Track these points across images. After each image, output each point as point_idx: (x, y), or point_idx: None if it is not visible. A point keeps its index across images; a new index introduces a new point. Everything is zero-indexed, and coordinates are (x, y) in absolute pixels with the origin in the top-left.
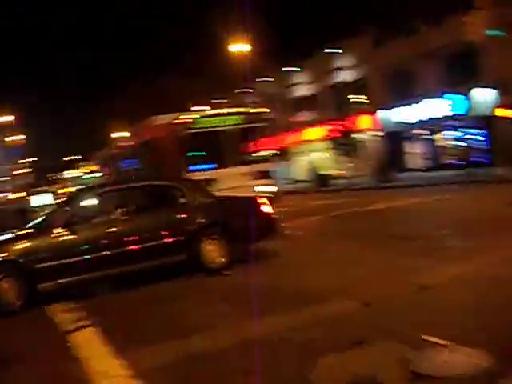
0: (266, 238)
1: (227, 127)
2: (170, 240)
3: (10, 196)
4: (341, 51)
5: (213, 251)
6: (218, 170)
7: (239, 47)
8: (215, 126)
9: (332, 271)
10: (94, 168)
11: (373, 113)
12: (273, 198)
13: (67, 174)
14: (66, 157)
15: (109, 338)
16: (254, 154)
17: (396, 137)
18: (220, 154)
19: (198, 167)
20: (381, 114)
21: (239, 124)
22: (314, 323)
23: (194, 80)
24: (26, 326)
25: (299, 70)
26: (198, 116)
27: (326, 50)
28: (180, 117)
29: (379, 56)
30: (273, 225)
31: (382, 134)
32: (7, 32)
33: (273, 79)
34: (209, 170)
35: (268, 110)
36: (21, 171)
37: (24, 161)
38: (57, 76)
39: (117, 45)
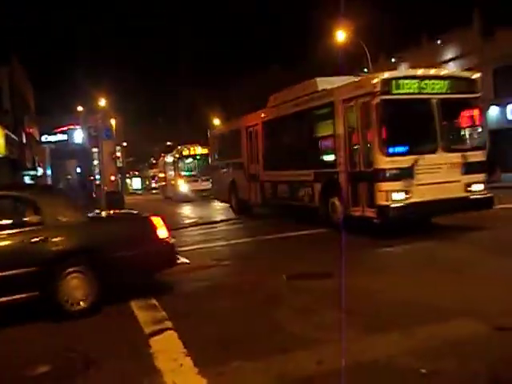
0: (158, 271)
1: (438, 95)
2: (16, 271)
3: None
4: (446, 42)
5: (75, 288)
6: (425, 156)
7: (343, 36)
8: (423, 93)
9: (450, 282)
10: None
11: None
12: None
13: (169, 158)
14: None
15: (189, 346)
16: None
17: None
18: (428, 134)
19: (399, 149)
20: (493, 110)
21: (451, 93)
22: (434, 348)
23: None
24: (105, 326)
25: (404, 61)
26: (402, 75)
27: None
28: (381, 76)
29: (488, 47)
30: (168, 254)
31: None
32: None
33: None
34: (414, 154)
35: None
36: (117, 155)
37: (119, 146)
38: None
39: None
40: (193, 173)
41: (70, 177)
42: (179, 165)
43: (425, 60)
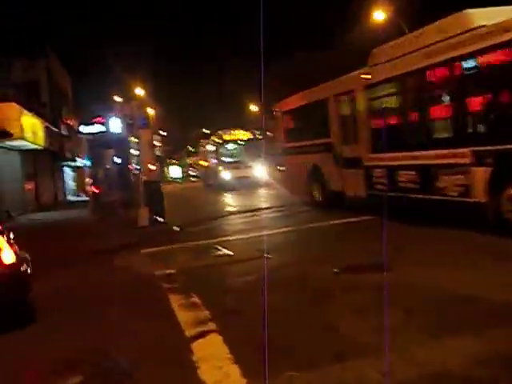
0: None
1: None
2: None
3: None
4: None
5: None
6: None
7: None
8: None
9: None
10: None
11: None
12: None
13: (210, 144)
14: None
15: (236, 351)
16: None
17: None
18: None
19: None
20: None
21: None
22: None
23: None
24: (141, 327)
25: None
26: None
27: None
28: None
29: None
30: (13, 287)
31: None
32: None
33: None
34: None
35: None
36: (155, 143)
37: (158, 134)
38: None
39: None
40: (235, 159)
41: (108, 167)
42: (220, 150)
43: None
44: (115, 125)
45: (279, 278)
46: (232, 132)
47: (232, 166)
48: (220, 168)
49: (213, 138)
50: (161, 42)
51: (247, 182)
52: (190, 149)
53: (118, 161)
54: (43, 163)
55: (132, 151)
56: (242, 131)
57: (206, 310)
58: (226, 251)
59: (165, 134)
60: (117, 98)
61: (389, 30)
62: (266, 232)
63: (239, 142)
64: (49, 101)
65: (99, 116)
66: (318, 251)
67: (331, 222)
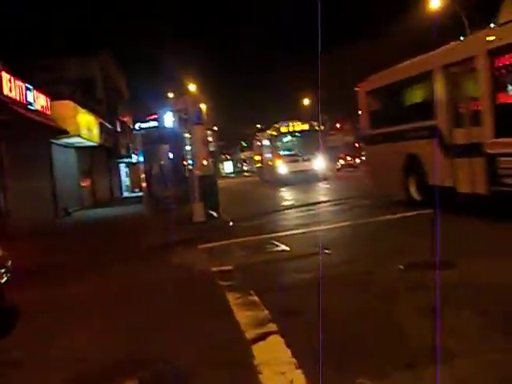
0: None
1: None
2: None
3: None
4: None
5: None
6: None
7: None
8: None
9: None
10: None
11: None
12: None
13: (265, 137)
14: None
15: (299, 355)
16: None
17: None
18: None
19: None
20: None
21: None
22: None
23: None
24: (198, 328)
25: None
26: None
27: None
28: None
29: None
30: None
31: None
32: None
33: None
34: None
35: None
36: (209, 139)
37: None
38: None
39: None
40: (292, 152)
41: (162, 162)
42: (276, 143)
43: None
44: (169, 120)
45: (340, 275)
46: (289, 124)
47: (290, 160)
48: (277, 162)
49: (269, 130)
50: (211, 39)
51: (306, 176)
52: (243, 144)
53: (172, 156)
54: (99, 160)
55: (186, 147)
56: (299, 123)
57: (265, 310)
58: (282, 246)
59: (215, 128)
60: (170, 95)
61: (445, 18)
62: (323, 227)
63: (297, 133)
64: (104, 98)
65: (154, 113)
66: (380, 247)
67: (393, 216)
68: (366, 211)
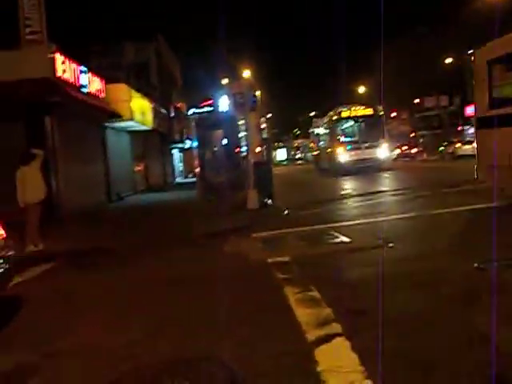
0: None
1: None
2: None
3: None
4: None
5: None
6: None
7: None
8: None
9: None
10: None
11: None
12: None
13: (324, 122)
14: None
15: (368, 362)
16: None
17: None
18: None
19: None
20: None
21: None
22: None
23: (447, 29)
24: (263, 316)
25: None
26: None
27: None
28: None
29: None
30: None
31: None
32: None
33: None
34: None
35: None
36: (262, 126)
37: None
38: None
39: None
40: (354, 139)
41: (216, 148)
42: (337, 129)
43: None
44: (224, 103)
45: (406, 272)
46: (352, 108)
47: (351, 147)
48: (337, 149)
49: (329, 115)
50: (264, 26)
51: (368, 166)
52: (297, 131)
53: (226, 142)
54: (152, 145)
55: (240, 133)
56: (362, 107)
57: (327, 308)
58: (342, 238)
59: (269, 115)
60: (225, 81)
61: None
62: (385, 217)
63: (359, 119)
64: (158, 83)
65: (209, 98)
66: (449, 241)
67: (460, 208)
68: (432, 202)
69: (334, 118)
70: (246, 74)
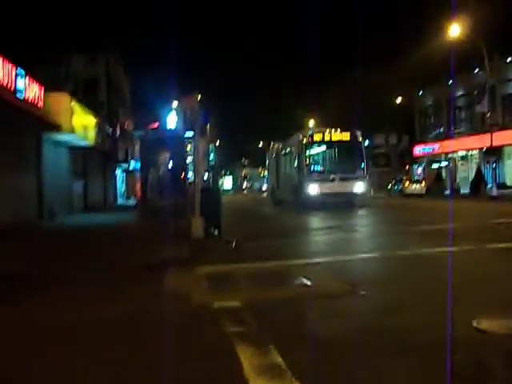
0: None
1: None
2: None
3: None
4: None
5: None
6: None
7: (454, 31)
8: None
9: None
10: None
11: None
12: None
13: (287, 147)
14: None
15: None
16: None
17: None
18: None
19: None
20: None
21: None
22: None
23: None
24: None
25: None
26: None
27: None
28: None
29: None
30: None
31: None
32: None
33: (487, 70)
34: None
35: None
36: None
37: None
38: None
39: None
40: (327, 168)
41: (161, 171)
42: (306, 156)
43: None
44: (172, 121)
45: (387, 329)
46: (326, 131)
47: (324, 178)
48: (306, 179)
49: (297, 138)
50: (222, 53)
51: (341, 201)
52: (244, 161)
53: (172, 165)
54: (94, 163)
55: (187, 157)
56: (338, 131)
57: (295, 382)
58: (302, 279)
59: (218, 144)
60: (175, 104)
61: (460, 46)
62: (348, 256)
63: (335, 144)
64: (106, 99)
65: (156, 121)
66: (429, 288)
67: (429, 250)
68: (406, 239)
69: (304, 141)
70: (198, 99)
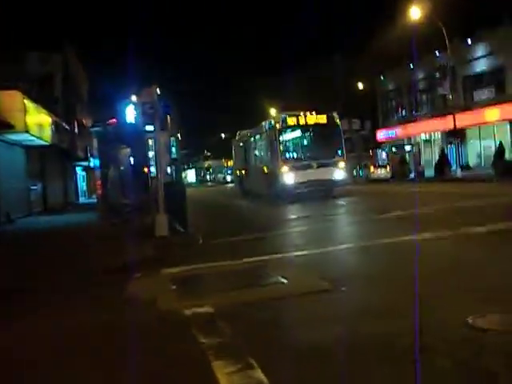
0: None
1: None
2: None
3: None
4: None
5: None
6: None
7: (414, 14)
8: None
9: None
10: None
11: None
12: None
13: (247, 143)
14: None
15: None
16: None
17: None
18: None
19: None
20: None
21: None
22: None
23: (359, 56)
24: None
25: (481, 41)
26: None
27: None
28: None
29: None
30: None
31: None
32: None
33: (447, 52)
34: None
35: None
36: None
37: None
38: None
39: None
40: (304, 155)
41: (122, 168)
42: (279, 142)
43: (506, 39)
44: (130, 115)
45: (374, 334)
46: (300, 114)
47: (299, 165)
48: (281, 168)
49: (269, 123)
50: (182, 43)
51: (320, 189)
52: (207, 153)
53: (133, 160)
54: (52, 162)
55: (149, 151)
56: (313, 114)
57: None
58: (277, 277)
59: (181, 136)
60: (134, 99)
61: (422, 29)
62: (328, 248)
63: (311, 129)
64: (63, 96)
65: (113, 117)
66: (410, 281)
67: (429, 236)
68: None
69: (277, 126)
70: (158, 92)
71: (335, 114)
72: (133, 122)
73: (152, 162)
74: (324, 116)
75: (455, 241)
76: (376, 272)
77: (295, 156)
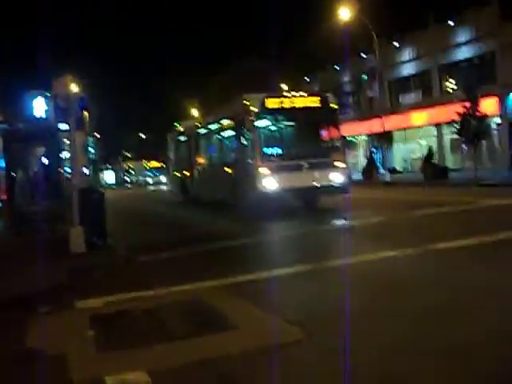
0: None
1: None
2: None
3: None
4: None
5: None
6: None
7: (342, 15)
8: None
9: None
10: None
11: (500, 95)
12: None
13: (195, 135)
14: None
15: None
16: None
17: None
18: None
19: None
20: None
21: None
22: None
23: (284, 57)
24: None
25: (408, 44)
26: None
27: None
28: None
29: (508, 30)
30: None
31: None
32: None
33: (375, 54)
34: None
35: None
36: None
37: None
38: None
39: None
40: (290, 150)
41: (36, 170)
42: (255, 132)
43: (433, 42)
44: (40, 108)
45: None
46: (284, 96)
47: (285, 166)
48: (258, 168)
49: (241, 106)
50: (101, 40)
51: (312, 197)
52: (127, 154)
53: (46, 161)
54: None
55: (64, 152)
56: (302, 94)
57: None
58: (227, 321)
59: (100, 136)
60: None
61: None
62: (278, 271)
63: (299, 114)
64: None
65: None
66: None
67: (398, 254)
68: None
69: (255, 110)
70: (75, 89)
71: (330, 97)
72: (44, 118)
73: (67, 164)
74: (317, 98)
75: (430, 258)
76: (362, 307)
77: (278, 152)
